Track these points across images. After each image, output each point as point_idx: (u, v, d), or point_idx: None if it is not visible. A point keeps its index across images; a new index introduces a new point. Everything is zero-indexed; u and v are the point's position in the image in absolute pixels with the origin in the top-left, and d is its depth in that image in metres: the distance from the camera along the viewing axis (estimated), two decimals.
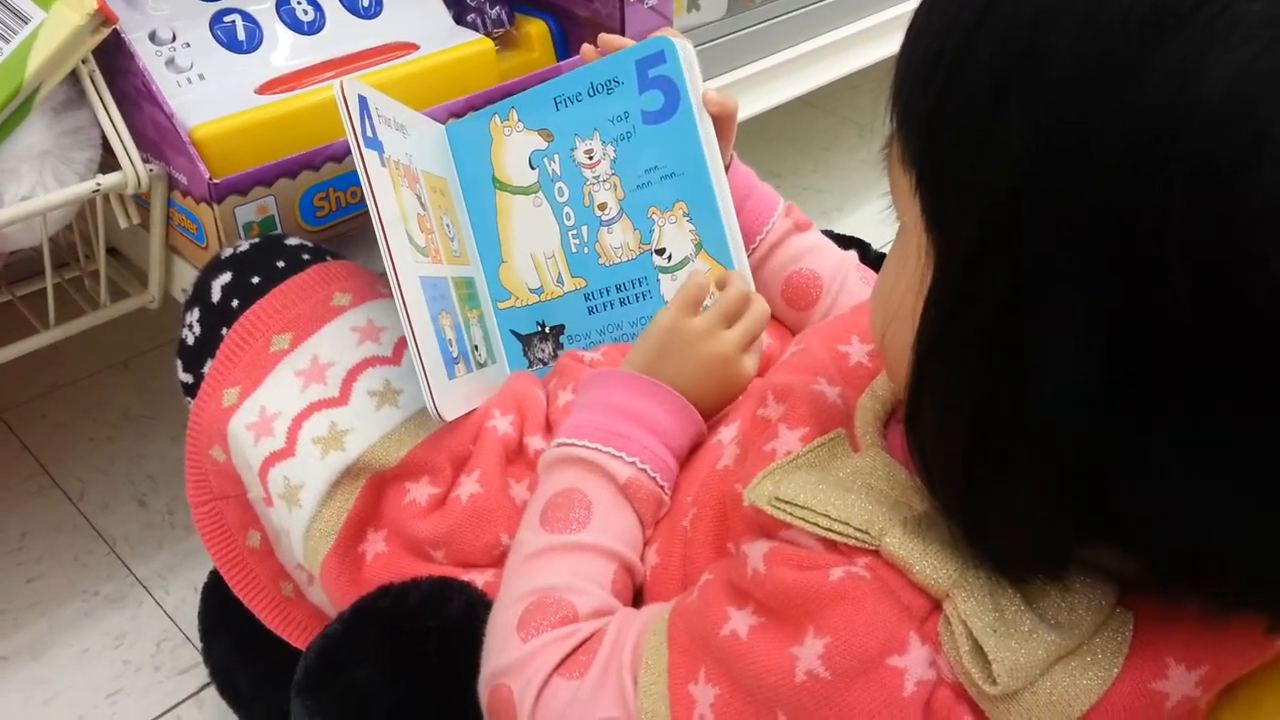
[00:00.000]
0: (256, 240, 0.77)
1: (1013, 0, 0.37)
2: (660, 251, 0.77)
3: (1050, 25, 0.36)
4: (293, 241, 0.77)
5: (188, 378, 0.75)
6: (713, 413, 0.66)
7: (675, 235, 0.76)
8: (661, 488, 0.62)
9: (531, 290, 0.80)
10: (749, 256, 0.76)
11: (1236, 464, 0.36)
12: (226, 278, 0.74)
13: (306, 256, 0.75)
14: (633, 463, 0.61)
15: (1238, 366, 0.34)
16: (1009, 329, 0.38)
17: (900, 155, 0.43)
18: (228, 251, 0.76)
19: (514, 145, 0.79)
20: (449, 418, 0.66)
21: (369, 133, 0.68)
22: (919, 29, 0.42)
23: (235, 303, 0.73)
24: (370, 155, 0.67)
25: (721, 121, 0.74)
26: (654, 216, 0.77)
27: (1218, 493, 0.37)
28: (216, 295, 0.73)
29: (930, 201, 0.41)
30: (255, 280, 0.73)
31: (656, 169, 0.76)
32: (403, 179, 0.71)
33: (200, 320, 0.74)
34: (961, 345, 0.40)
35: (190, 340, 0.74)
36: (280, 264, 0.74)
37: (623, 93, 0.76)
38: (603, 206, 0.78)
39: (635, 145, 0.76)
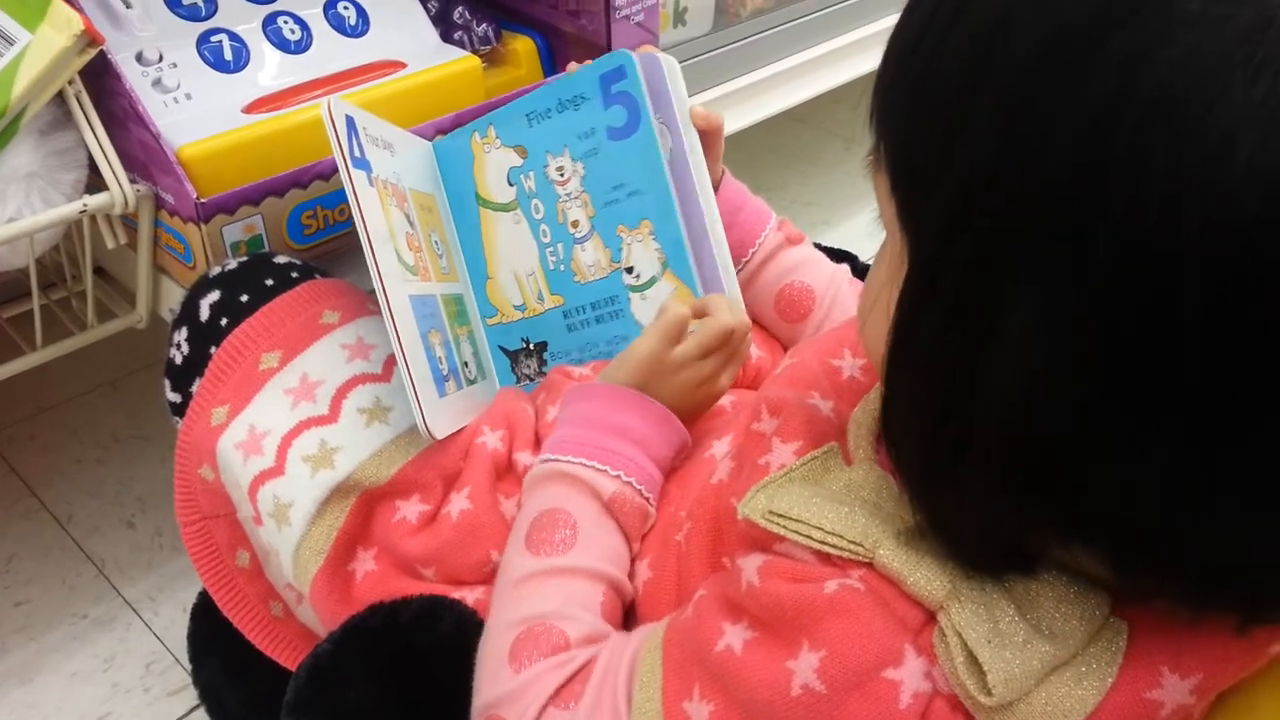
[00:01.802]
0: (245, 259, 0.77)
1: (980, 5, 0.38)
2: (629, 270, 0.77)
3: (1018, 18, 0.37)
4: (281, 259, 0.77)
5: (176, 397, 0.74)
6: (687, 425, 0.67)
7: (642, 254, 0.76)
8: (646, 499, 0.62)
9: (515, 307, 0.80)
10: (740, 270, 0.76)
11: (1185, 449, 0.36)
12: (215, 296, 0.74)
13: (295, 274, 0.75)
14: (617, 476, 0.61)
15: (1186, 358, 0.35)
16: (969, 320, 0.38)
17: (878, 158, 0.44)
18: (215, 270, 0.76)
19: (493, 162, 0.79)
20: (440, 435, 0.66)
21: (356, 152, 0.68)
22: (894, 38, 0.43)
23: (224, 321, 0.72)
24: (358, 175, 0.67)
25: (708, 136, 0.74)
26: (622, 234, 0.77)
27: (1169, 480, 0.37)
28: (205, 314, 0.73)
29: (903, 201, 0.42)
30: (244, 298, 0.73)
31: (623, 186, 0.75)
32: (391, 198, 0.71)
33: (188, 339, 0.74)
34: (928, 336, 0.41)
35: (178, 360, 0.74)
36: (269, 282, 0.74)
37: (589, 108, 0.76)
38: (575, 224, 0.77)
39: (602, 162, 0.76)
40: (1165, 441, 0.36)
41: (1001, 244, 0.37)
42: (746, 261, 0.77)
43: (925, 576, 0.44)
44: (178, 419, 0.74)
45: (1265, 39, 0.33)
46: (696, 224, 0.74)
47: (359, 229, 0.66)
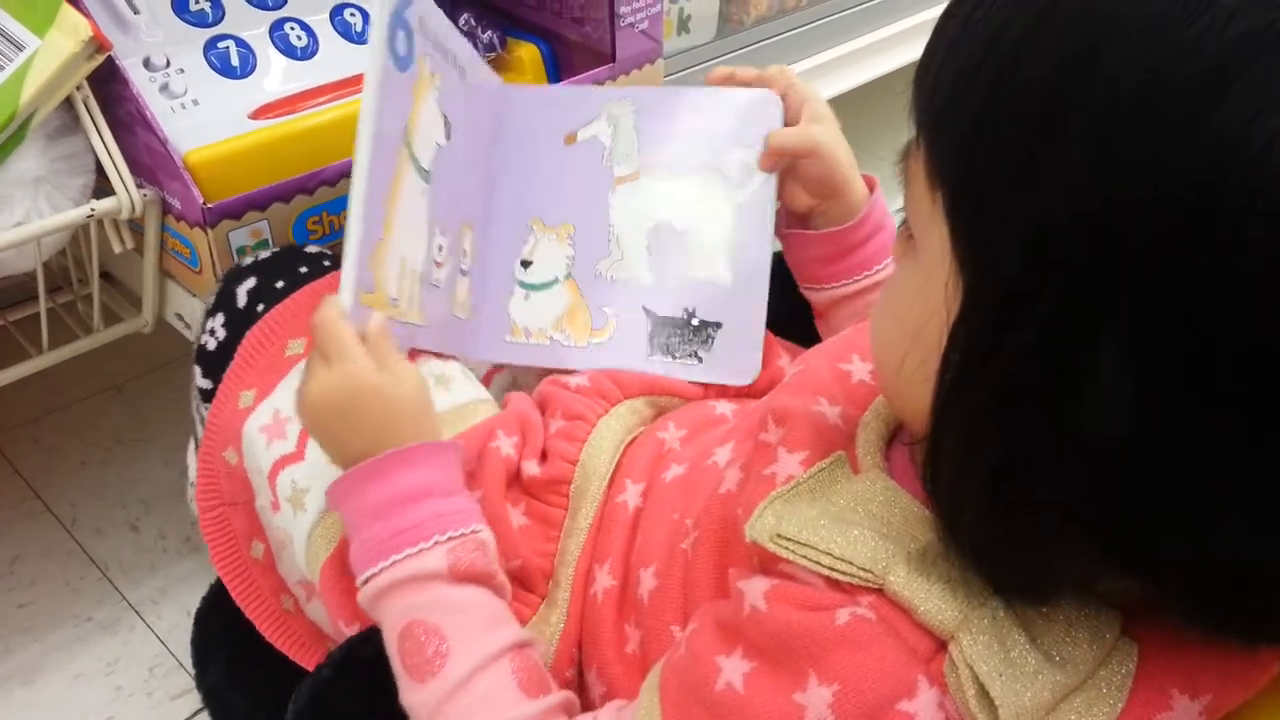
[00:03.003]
0: (278, 249, 0.78)
1: (1067, 17, 0.36)
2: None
3: (1112, 50, 0.35)
4: (313, 249, 0.78)
5: (207, 384, 0.75)
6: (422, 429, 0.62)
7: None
8: (475, 532, 0.59)
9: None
10: (849, 285, 0.75)
11: None
12: (251, 283, 0.75)
13: (327, 263, 0.77)
14: (435, 543, 0.57)
15: None
16: (1052, 360, 0.37)
17: (928, 173, 0.42)
18: (249, 259, 0.77)
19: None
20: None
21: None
22: (954, 39, 0.40)
23: (260, 307, 0.73)
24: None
25: (808, 159, 0.73)
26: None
27: (1267, 526, 0.36)
28: (242, 300, 0.74)
29: (964, 225, 0.40)
30: (279, 285, 0.74)
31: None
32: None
33: (225, 325, 0.74)
34: (997, 373, 0.39)
35: (211, 345, 0.75)
36: (303, 269, 0.75)
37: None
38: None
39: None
40: (1274, 485, 0.35)
41: (1097, 284, 0.35)
42: (858, 280, 0.75)
43: (936, 606, 0.43)
44: (207, 405, 0.74)
45: None
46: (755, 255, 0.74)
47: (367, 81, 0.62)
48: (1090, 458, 0.37)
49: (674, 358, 0.74)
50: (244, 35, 0.86)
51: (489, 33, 0.97)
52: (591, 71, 0.95)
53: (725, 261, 0.75)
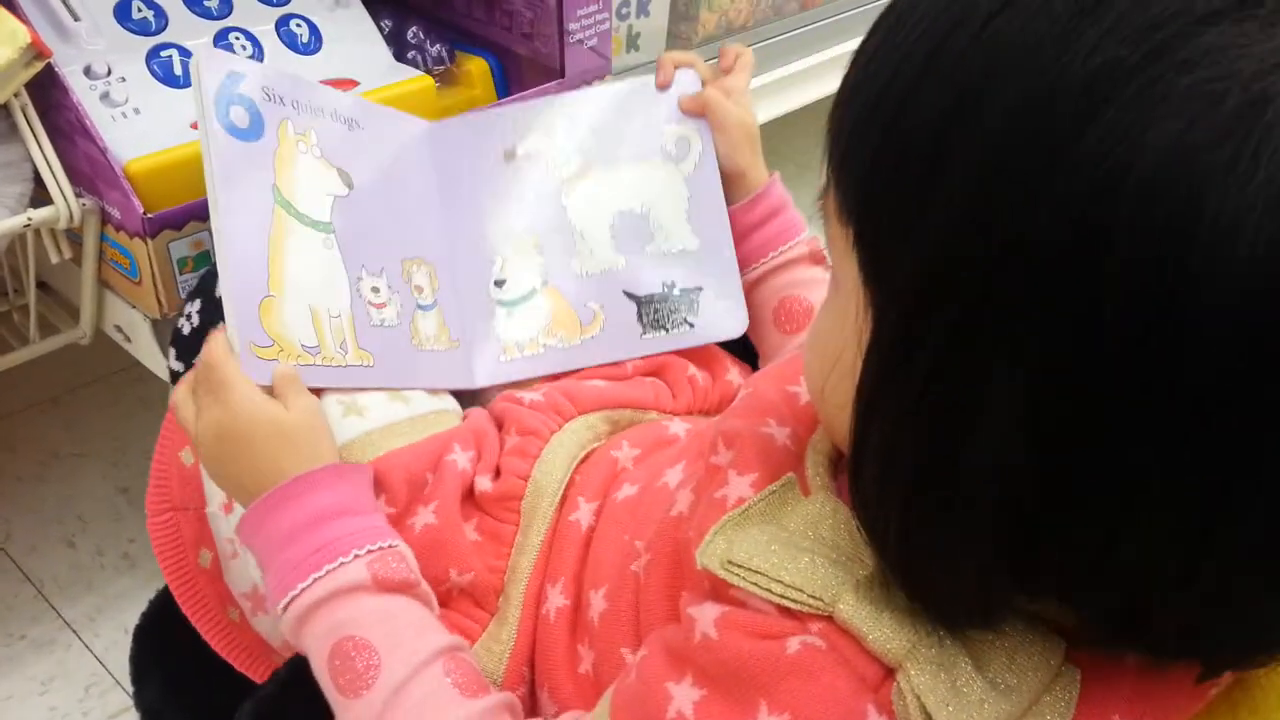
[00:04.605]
0: None
1: (952, 61, 0.37)
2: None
3: (988, 88, 0.36)
4: None
5: (179, 366, 0.74)
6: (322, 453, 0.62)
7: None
8: (394, 546, 0.59)
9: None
10: (756, 270, 0.78)
11: (1175, 515, 0.36)
12: None
13: None
14: (356, 557, 0.57)
15: (1178, 421, 0.35)
16: (949, 383, 0.38)
17: (837, 209, 0.43)
18: None
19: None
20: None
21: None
22: (856, 84, 0.42)
23: None
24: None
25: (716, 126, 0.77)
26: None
27: (1157, 543, 0.37)
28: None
29: (869, 258, 0.41)
30: None
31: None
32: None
33: (201, 311, 0.74)
34: (902, 398, 0.40)
35: (186, 330, 0.74)
36: None
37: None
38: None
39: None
40: (1162, 508, 0.36)
41: (985, 310, 0.37)
42: (764, 262, 0.78)
43: (885, 634, 0.43)
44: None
45: (1258, 120, 0.33)
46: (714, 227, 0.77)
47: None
48: (990, 481, 0.38)
49: (667, 331, 0.76)
50: (187, 44, 0.85)
51: (437, 46, 0.97)
52: (540, 87, 0.95)
53: (689, 229, 0.78)
